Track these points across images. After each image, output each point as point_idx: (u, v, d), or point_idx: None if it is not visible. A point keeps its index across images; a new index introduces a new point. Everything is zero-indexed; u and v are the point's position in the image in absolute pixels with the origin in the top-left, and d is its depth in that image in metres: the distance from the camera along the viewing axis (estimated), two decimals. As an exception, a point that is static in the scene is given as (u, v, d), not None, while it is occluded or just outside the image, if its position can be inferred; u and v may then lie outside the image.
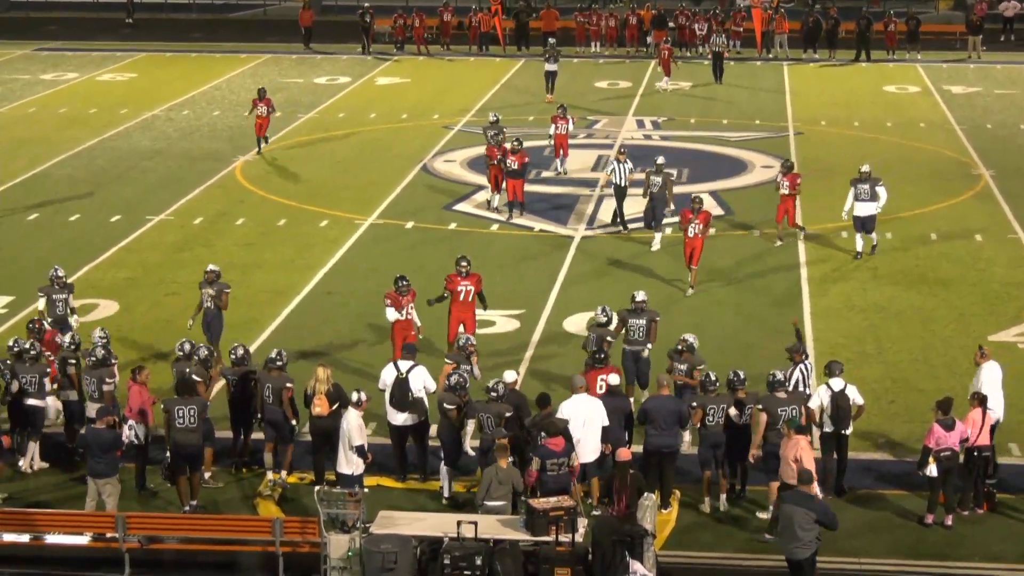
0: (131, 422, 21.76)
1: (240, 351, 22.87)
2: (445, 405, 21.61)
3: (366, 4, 65.68)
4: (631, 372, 24.97)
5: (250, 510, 21.46)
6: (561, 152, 40.82)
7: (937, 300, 30.60)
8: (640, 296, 25.34)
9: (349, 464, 20.96)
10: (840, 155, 43.74)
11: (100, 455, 20.69)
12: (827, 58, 61.42)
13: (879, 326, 29.10)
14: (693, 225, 30.45)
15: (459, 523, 18.94)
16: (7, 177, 40.80)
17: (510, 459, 20.08)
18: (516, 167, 35.87)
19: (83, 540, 20.12)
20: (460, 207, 37.90)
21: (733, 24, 62.67)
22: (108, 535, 19.84)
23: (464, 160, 42.94)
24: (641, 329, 24.97)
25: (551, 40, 55.28)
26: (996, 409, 21.78)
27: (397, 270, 32.22)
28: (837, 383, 21.79)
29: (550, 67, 52.12)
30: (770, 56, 62.00)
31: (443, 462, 21.85)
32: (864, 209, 32.89)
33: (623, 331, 24.99)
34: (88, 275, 32.24)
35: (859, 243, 33.23)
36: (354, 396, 21.19)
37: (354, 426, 20.88)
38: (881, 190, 32.87)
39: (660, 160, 34.80)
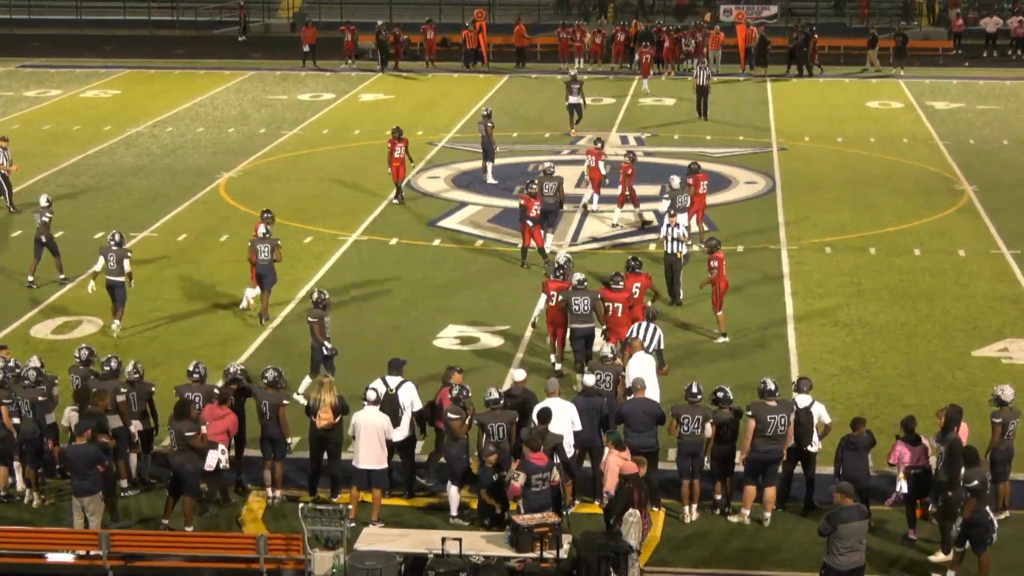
0: (221, 446, 21.67)
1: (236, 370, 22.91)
2: (449, 415, 21.59)
3: (379, 22, 65.80)
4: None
5: (235, 527, 21.42)
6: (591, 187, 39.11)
7: (921, 315, 30.65)
8: (579, 277, 26.87)
9: (374, 459, 21.20)
10: (824, 170, 43.87)
11: (83, 472, 20.56)
12: (762, 73, 61.89)
13: (863, 341, 29.14)
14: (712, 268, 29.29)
15: (443, 540, 18.94)
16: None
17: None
18: (537, 213, 33.68)
19: (68, 558, 20.05)
20: (444, 223, 37.90)
21: (713, 41, 62.62)
22: (92, 552, 19.78)
23: (448, 176, 42.96)
24: (585, 305, 26.49)
25: (573, 71, 53.70)
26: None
27: (381, 286, 32.43)
28: (803, 399, 21.87)
29: (573, 99, 48.83)
30: (753, 72, 62.13)
31: (449, 481, 21.71)
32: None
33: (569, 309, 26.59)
34: (72, 292, 32.17)
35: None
36: (371, 395, 21.54)
37: (387, 419, 21.41)
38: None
39: (547, 165, 35.98)
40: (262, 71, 63.65)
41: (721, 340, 28.98)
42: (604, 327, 26.78)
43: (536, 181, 34.61)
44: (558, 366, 27.16)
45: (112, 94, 58.09)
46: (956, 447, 20.47)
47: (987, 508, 19.63)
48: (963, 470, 19.88)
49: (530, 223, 33.42)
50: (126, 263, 29.40)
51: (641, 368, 23.59)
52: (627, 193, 36.68)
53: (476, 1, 73.84)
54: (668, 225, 31.34)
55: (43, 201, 32.86)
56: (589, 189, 38.96)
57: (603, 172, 38.53)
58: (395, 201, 39.66)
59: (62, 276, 32.59)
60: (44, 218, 32.31)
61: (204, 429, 21.38)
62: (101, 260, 29.51)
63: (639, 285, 27.33)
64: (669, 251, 31.02)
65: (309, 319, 25.88)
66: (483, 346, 28.86)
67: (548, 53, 66.53)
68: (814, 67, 61.92)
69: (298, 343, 28.81)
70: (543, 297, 27.23)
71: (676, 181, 34.26)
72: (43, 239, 32.32)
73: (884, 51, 63.75)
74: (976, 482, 19.50)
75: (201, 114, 53.57)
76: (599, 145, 39.31)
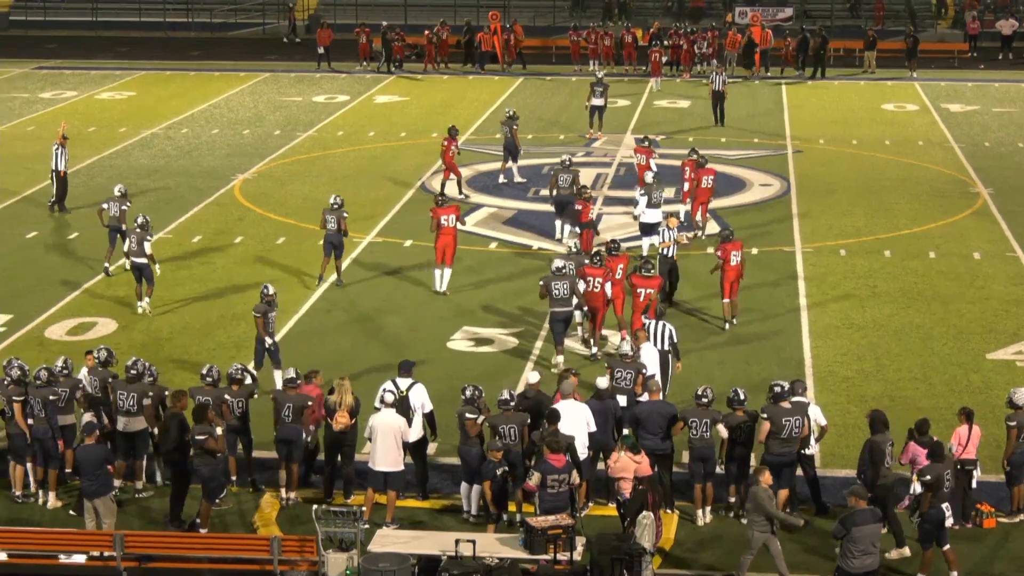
0: (312, 428, 22.38)
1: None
2: (467, 416, 21.63)
3: (384, 23, 65.75)
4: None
5: (248, 528, 21.44)
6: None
7: (936, 318, 30.59)
8: (558, 264, 27.98)
9: (391, 462, 21.23)
10: (839, 173, 43.81)
11: (92, 473, 20.57)
12: (761, 74, 62.04)
13: (878, 344, 29.09)
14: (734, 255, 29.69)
15: (457, 542, 18.93)
16: (6, 195, 40.83)
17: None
18: (591, 217, 34.09)
19: (82, 559, 20.07)
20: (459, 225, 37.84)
21: (731, 43, 62.60)
22: (106, 554, 19.80)
23: (463, 178, 42.89)
24: (565, 289, 27.47)
25: (598, 73, 53.22)
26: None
27: (395, 288, 32.47)
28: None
29: (596, 101, 48.66)
30: (768, 75, 62.08)
31: (464, 480, 21.75)
32: (652, 216, 34.11)
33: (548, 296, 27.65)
34: (86, 293, 32.23)
35: (645, 247, 34.05)
36: (389, 397, 21.62)
37: (403, 420, 21.48)
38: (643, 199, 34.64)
39: (564, 157, 37.14)
40: (277, 73, 63.69)
41: (727, 326, 29.74)
42: (584, 308, 27.92)
43: (552, 172, 35.65)
44: (594, 349, 27.91)
45: (127, 96, 58.16)
46: (875, 448, 20.73)
47: (944, 504, 19.82)
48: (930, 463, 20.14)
49: (578, 228, 33.76)
50: (147, 245, 30.49)
51: (648, 360, 24.00)
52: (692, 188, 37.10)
53: (491, 3, 73.74)
54: (668, 228, 31.19)
55: (118, 191, 33.72)
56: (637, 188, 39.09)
57: (654, 170, 38.60)
58: (461, 196, 40.20)
59: (108, 265, 33.46)
60: (124, 206, 33.22)
61: (219, 431, 21.42)
62: (127, 241, 31.04)
63: (623, 266, 28.57)
64: (666, 254, 30.85)
65: (254, 313, 26.49)
66: (497, 348, 28.86)
67: (564, 55, 66.43)
68: (798, 69, 62.20)
69: (312, 345, 28.87)
70: (580, 283, 27.82)
71: (650, 176, 35.01)
72: (123, 227, 32.93)
73: (896, 53, 63.70)
74: (929, 477, 19.72)
75: (216, 116, 53.62)
76: (647, 144, 39.46)
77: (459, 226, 32.74)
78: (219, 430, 21.42)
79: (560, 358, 27.51)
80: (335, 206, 32.28)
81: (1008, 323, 30.29)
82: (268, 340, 26.41)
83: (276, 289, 27.10)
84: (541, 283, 27.84)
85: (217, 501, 21.73)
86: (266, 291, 26.78)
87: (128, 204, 33.56)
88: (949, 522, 20.03)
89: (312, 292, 32.13)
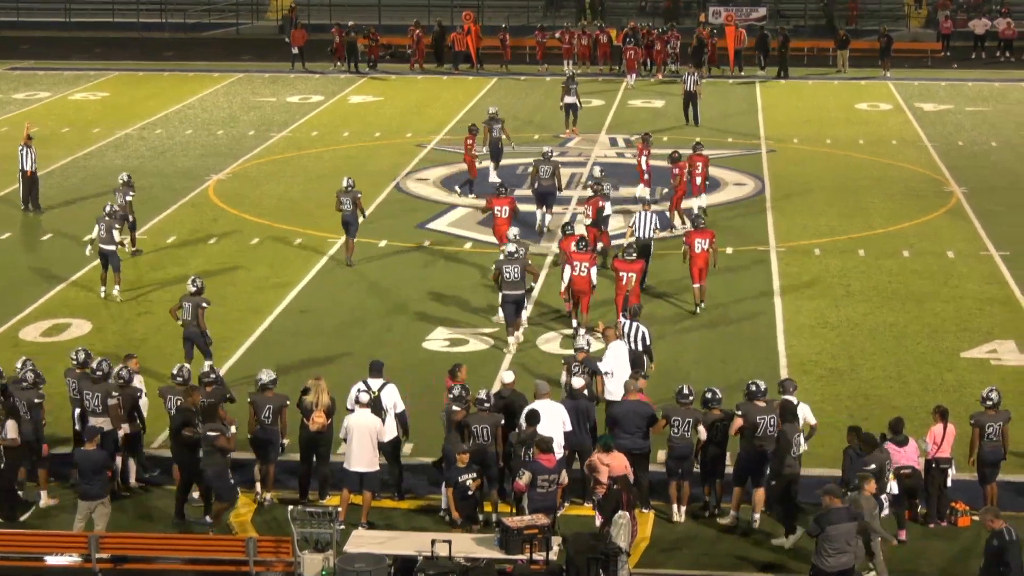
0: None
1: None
2: (454, 408, 21.64)
3: (350, 23, 65.62)
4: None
5: (224, 529, 21.41)
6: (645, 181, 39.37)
7: (910, 317, 30.69)
8: (510, 248, 28.59)
9: (366, 462, 21.23)
10: (813, 172, 43.90)
11: (91, 477, 20.55)
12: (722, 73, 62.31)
13: (852, 343, 29.17)
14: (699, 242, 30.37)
15: (433, 542, 18.93)
16: (-21, 196, 40.75)
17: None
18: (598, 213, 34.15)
19: (57, 561, 20.01)
20: (434, 225, 37.89)
21: (709, 40, 62.74)
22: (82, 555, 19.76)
23: (437, 178, 42.91)
24: (516, 273, 28.15)
25: (569, 71, 53.50)
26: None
27: (371, 288, 32.47)
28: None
29: (569, 99, 49.11)
30: (742, 74, 62.17)
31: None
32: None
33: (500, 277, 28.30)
34: (61, 294, 32.15)
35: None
36: (364, 397, 21.58)
37: (379, 421, 21.51)
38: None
39: (546, 149, 37.90)
40: (251, 73, 63.55)
41: (697, 310, 30.45)
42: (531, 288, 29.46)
43: (533, 165, 36.77)
44: (582, 331, 27.27)
45: (101, 96, 57.98)
46: (781, 438, 21.06)
47: (882, 495, 20.10)
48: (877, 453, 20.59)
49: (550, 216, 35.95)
50: (115, 233, 31.27)
51: (618, 357, 24.07)
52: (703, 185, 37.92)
53: (465, 3, 73.67)
54: (641, 212, 32.21)
55: (123, 177, 34.99)
56: (640, 185, 39.16)
57: (643, 167, 38.73)
58: (471, 195, 40.34)
59: (134, 249, 34.43)
60: (128, 197, 34.08)
61: (234, 429, 21.40)
62: (96, 228, 31.43)
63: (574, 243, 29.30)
64: (641, 237, 31.73)
65: (202, 304, 26.52)
66: (472, 348, 28.87)
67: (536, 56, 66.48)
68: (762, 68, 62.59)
69: (287, 346, 28.84)
70: (567, 268, 28.61)
71: (598, 171, 36.13)
72: (130, 216, 34.19)
73: (869, 52, 63.91)
74: (873, 466, 20.10)
75: (190, 116, 53.49)
76: (644, 139, 39.77)
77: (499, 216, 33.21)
78: (233, 428, 21.40)
79: (512, 339, 28.35)
80: (348, 187, 33.39)
81: (982, 322, 30.39)
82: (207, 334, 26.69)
83: (249, 288, 27.04)
84: (494, 266, 28.61)
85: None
86: (196, 282, 26.89)
87: (132, 193, 34.37)
88: (884, 512, 20.19)
89: (287, 292, 32.11)
